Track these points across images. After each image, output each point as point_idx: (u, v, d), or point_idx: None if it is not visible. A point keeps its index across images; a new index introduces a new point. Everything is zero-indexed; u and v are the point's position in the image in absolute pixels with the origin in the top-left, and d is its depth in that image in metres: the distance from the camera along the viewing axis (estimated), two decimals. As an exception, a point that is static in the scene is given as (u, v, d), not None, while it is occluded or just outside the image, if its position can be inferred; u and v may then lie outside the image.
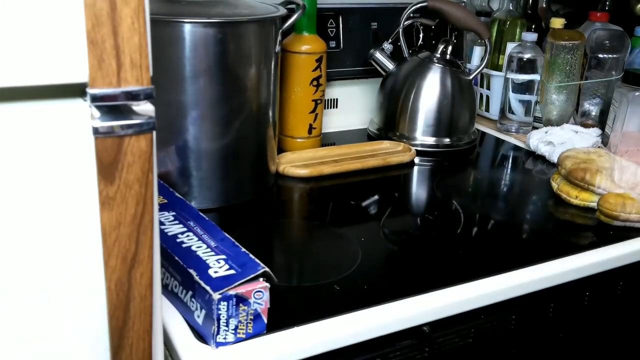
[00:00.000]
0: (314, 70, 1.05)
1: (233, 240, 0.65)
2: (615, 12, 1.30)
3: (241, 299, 0.57)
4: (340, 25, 1.19)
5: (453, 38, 1.30)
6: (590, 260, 0.79)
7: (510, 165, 1.13)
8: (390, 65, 1.18)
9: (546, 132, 1.14)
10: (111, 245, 0.43)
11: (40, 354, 0.47)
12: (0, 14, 0.37)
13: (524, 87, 1.22)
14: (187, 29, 0.78)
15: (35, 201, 0.43)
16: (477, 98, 1.33)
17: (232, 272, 0.58)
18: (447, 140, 1.15)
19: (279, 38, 0.89)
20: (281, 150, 1.08)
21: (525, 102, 1.24)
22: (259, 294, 0.58)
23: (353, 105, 1.26)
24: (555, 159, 1.07)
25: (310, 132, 1.09)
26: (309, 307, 0.66)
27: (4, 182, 0.41)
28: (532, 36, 1.20)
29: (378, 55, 1.18)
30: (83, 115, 0.42)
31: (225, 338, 0.58)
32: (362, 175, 1.02)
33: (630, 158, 1.05)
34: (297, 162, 1.02)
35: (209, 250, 0.63)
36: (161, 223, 0.68)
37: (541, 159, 1.13)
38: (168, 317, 0.63)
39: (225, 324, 0.57)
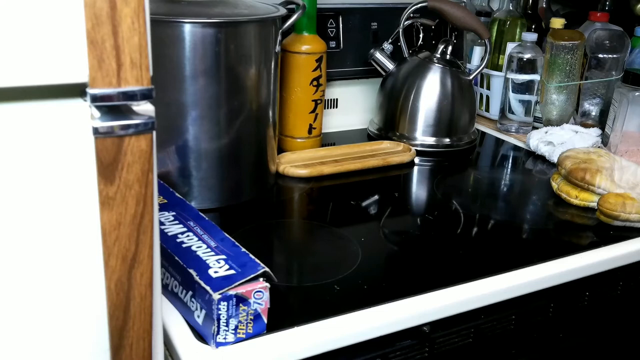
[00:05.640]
0: (314, 70, 1.05)
1: (233, 240, 0.65)
2: (615, 12, 1.30)
3: (241, 299, 0.57)
4: (340, 25, 1.19)
5: (453, 38, 1.30)
6: (590, 260, 0.79)
7: (510, 165, 1.13)
8: (390, 65, 1.18)
9: (546, 132, 1.14)
10: (111, 245, 0.43)
11: (41, 354, 0.47)
12: (0, 14, 0.37)
13: (524, 87, 1.22)
14: (187, 29, 0.78)
15: (36, 201, 0.43)
16: (477, 98, 1.33)
17: (232, 272, 0.58)
18: (447, 140, 1.15)
19: (279, 38, 0.89)
20: (281, 150, 1.08)
21: (525, 102, 1.24)
22: (259, 294, 0.58)
23: (353, 105, 1.26)
24: (555, 159, 1.07)
25: (310, 132, 1.09)
26: (309, 307, 0.66)
27: (4, 182, 0.41)
28: (532, 36, 1.20)
29: (378, 55, 1.18)
30: (83, 115, 0.42)
31: (225, 338, 0.58)
32: (362, 175, 1.02)
33: (630, 158, 1.05)
34: (297, 162, 1.02)
35: (209, 250, 0.63)
36: (161, 223, 0.68)
37: (541, 159, 1.13)
38: (168, 317, 0.63)
39: (225, 324, 0.57)
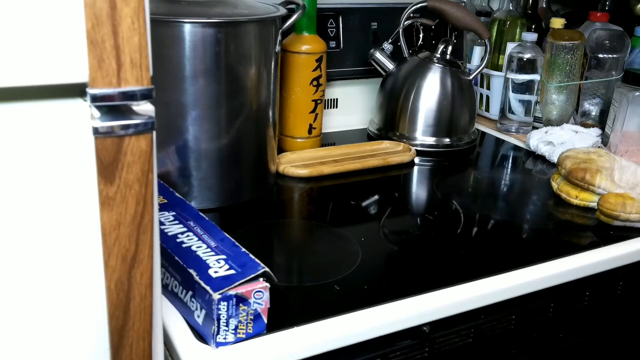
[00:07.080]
0: (314, 70, 1.05)
1: (233, 240, 0.65)
2: (615, 12, 1.30)
3: (241, 299, 0.57)
4: (340, 25, 1.19)
5: (453, 38, 1.30)
6: (590, 260, 0.79)
7: (510, 165, 1.13)
8: (390, 65, 1.18)
9: (546, 132, 1.14)
10: (111, 245, 0.43)
11: (40, 354, 0.47)
12: (0, 14, 0.37)
13: (524, 87, 1.22)
14: (187, 29, 0.78)
15: (36, 201, 0.43)
16: (477, 98, 1.33)
17: (232, 272, 0.58)
18: (447, 140, 1.15)
19: (279, 38, 0.89)
20: (281, 150, 1.08)
21: (525, 102, 1.24)
22: (259, 294, 0.58)
23: (353, 105, 1.26)
24: (555, 159, 1.07)
25: (310, 132, 1.09)
26: (309, 307, 0.66)
27: (4, 182, 0.41)
28: (532, 36, 1.20)
29: (378, 55, 1.18)
30: (83, 115, 0.42)
31: (225, 338, 0.58)
32: (362, 175, 1.02)
33: (630, 158, 1.05)
34: (297, 162, 1.02)
35: (209, 250, 0.63)
36: (161, 223, 0.68)
37: (541, 159, 1.13)
38: (168, 317, 0.63)
39: (225, 324, 0.57)
